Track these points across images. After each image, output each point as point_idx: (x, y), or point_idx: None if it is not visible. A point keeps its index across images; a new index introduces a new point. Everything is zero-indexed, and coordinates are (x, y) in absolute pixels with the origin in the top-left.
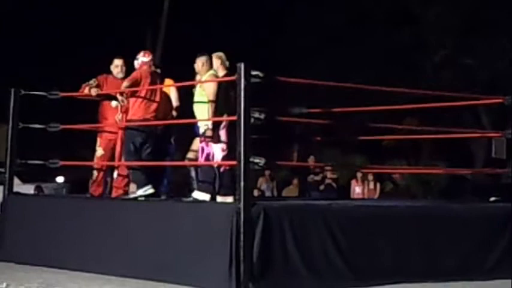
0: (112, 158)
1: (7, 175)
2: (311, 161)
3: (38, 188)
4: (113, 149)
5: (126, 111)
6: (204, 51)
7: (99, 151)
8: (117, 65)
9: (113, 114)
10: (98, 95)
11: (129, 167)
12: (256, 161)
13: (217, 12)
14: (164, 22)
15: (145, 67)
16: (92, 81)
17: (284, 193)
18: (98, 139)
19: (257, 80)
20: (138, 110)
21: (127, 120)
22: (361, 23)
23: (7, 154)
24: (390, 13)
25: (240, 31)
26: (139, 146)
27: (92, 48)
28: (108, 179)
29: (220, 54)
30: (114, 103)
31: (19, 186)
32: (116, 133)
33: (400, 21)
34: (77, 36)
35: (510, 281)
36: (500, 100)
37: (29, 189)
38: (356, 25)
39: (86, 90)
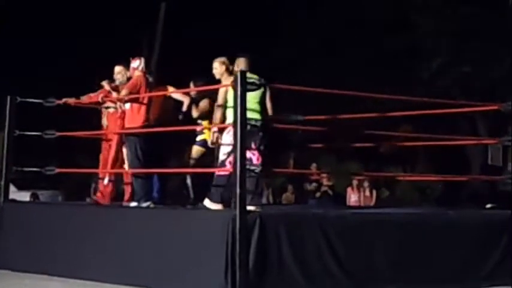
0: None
1: (3, 182)
2: (313, 168)
3: (34, 195)
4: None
5: (112, 118)
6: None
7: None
8: (118, 72)
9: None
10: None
11: (133, 175)
12: (252, 168)
13: (215, 17)
14: (161, 27)
15: (137, 72)
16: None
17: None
18: None
19: (254, 86)
20: (137, 118)
21: (127, 128)
22: (360, 28)
23: (3, 161)
24: (388, 19)
25: (238, 35)
26: (142, 153)
27: (89, 54)
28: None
29: (224, 59)
30: (104, 109)
31: (15, 194)
32: (103, 137)
33: (398, 28)
34: (74, 41)
35: (507, 287)
36: (496, 107)
37: (25, 196)
38: (353, 31)
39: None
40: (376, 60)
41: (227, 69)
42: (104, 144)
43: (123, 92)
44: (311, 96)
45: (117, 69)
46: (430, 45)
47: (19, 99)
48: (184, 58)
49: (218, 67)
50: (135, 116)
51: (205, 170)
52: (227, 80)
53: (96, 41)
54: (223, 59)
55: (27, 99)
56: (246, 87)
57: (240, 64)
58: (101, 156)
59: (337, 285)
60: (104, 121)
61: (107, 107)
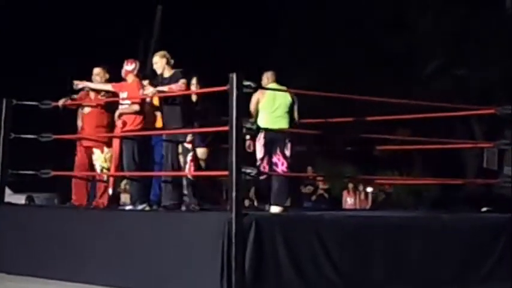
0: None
1: None
2: (309, 171)
3: (29, 198)
4: (85, 156)
5: (88, 120)
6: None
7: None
8: (95, 73)
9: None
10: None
11: (129, 178)
12: (248, 171)
13: (214, 17)
14: (157, 30)
15: (131, 76)
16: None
17: None
18: None
19: (249, 90)
20: (136, 120)
21: (126, 131)
22: (359, 29)
23: None
24: (385, 22)
25: (237, 35)
26: (138, 156)
27: (84, 56)
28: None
29: (164, 52)
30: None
31: (10, 196)
32: (83, 139)
33: (396, 29)
34: (70, 44)
35: None
36: (492, 111)
37: (20, 199)
38: (350, 33)
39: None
40: (375, 61)
41: (168, 63)
42: (79, 147)
43: (134, 107)
44: (306, 99)
45: (96, 70)
46: (428, 47)
47: (15, 101)
48: (182, 60)
49: (158, 61)
50: (133, 120)
51: (204, 173)
52: (169, 74)
53: (94, 41)
54: (163, 52)
55: (23, 102)
56: (242, 90)
57: (270, 77)
58: (76, 160)
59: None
60: (79, 122)
61: (82, 108)
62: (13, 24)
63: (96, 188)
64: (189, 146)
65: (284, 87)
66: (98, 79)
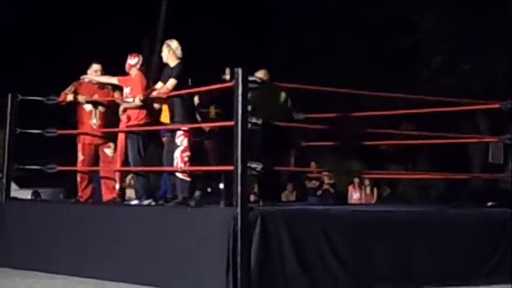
0: (96, 163)
1: (4, 180)
2: (313, 167)
3: (35, 193)
4: (94, 153)
5: (102, 117)
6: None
7: (80, 156)
8: (96, 70)
9: (89, 119)
10: (77, 101)
11: (134, 173)
12: (253, 166)
13: (215, 16)
14: (161, 29)
15: (134, 70)
16: (70, 88)
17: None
18: (78, 144)
19: (255, 85)
20: (140, 115)
21: (131, 126)
22: (360, 27)
23: (4, 159)
24: (388, 19)
25: (238, 35)
26: (144, 150)
27: (88, 56)
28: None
29: (170, 42)
30: (88, 107)
31: (16, 192)
32: (96, 136)
33: (398, 27)
34: (72, 42)
35: (509, 285)
36: (497, 105)
37: (26, 194)
38: (354, 30)
39: (70, 97)
40: (377, 60)
41: (172, 53)
42: (88, 145)
43: (137, 102)
44: (312, 95)
45: (97, 66)
46: (430, 45)
47: (20, 97)
48: (186, 57)
49: (163, 50)
50: (137, 114)
51: (210, 168)
52: (173, 64)
53: (96, 41)
54: (168, 42)
55: (29, 97)
56: (247, 86)
57: (264, 75)
58: (82, 156)
59: (338, 283)
60: (95, 121)
61: (96, 106)
62: (17, 21)
63: (102, 183)
64: (178, 140)
65: (276, 83)
66: (99, 74)
